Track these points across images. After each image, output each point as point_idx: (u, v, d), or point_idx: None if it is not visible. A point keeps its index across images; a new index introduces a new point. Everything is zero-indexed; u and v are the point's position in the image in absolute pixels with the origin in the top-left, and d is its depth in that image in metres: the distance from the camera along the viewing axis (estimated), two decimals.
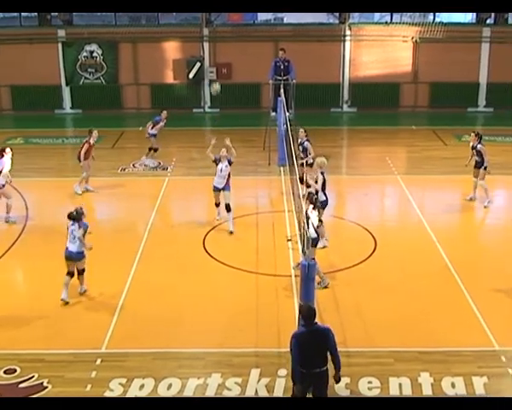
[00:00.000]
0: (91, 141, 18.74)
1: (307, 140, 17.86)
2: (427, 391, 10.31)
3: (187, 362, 11.10)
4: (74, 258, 12.75)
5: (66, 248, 12.75)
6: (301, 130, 18.03)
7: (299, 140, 17.84)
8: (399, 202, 18.84)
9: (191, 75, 29.28)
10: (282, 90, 21.39)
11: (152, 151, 21.50)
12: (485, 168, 17.66)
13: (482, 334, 11.81)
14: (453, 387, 10.40)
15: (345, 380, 10.43)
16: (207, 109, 30.19)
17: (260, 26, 31.35)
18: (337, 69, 29.74)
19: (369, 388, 10.37)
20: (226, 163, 16.02)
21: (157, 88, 29.76)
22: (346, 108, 30.20)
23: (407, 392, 10.30)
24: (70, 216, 12.73)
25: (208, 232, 16.22)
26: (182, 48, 29.52)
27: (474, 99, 30.01)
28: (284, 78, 22.27)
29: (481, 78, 29.84)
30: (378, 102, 29.43)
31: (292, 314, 12.03)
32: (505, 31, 29.56)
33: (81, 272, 12.99)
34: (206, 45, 29.56)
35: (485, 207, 17.63)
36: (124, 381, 10.53)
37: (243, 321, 12.30)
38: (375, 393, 10.26)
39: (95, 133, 18.90)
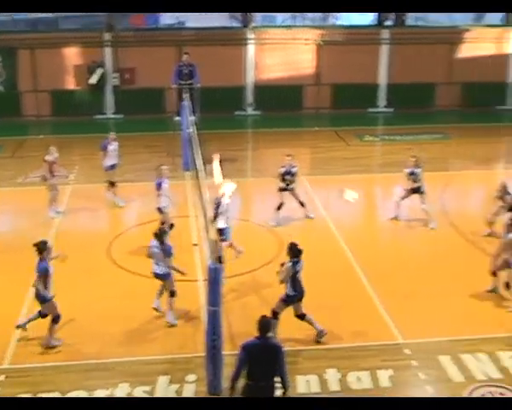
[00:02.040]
0: (47, 158, 17.46)
1: (418, 166, 16.80)
2: (334, 387, 10.52)
3: (93, 374, 10.93)
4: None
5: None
6: (411, 157, 16.90)
7: (409, 170, 16.81)
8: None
9: (94, 81, 28.79)
10: (186, 95, 21.33)
11: (110, 185, 18.53)
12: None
13: (386, 328, 12.14)
14: (359, 381, 10.66)
15: None
16: (111, 115, 29.75)
17: (163, 31, 31.18)
18: (241, 72, 29.85)
19: (276, 387, 10.43)
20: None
21: (58, 95, 29.05)
22: (250, 111, 30.34)
23: (315, 389, 10.48)
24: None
25: (114, 240, 16.00)
26: (83, 53, 28.92)
27: (374, 100, 30.73)
28: (188, 82, 22.20)
29: (381, 79, 30.58)
30: (282, 105, 29.64)
31: (199, 319, 12.03)
32: (404, 32, 30.40)
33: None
34: (108, 50, 29.14)
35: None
36: (29, 396, 10.27)
37: (150, 328, 12.21)
38: (280, 392, 10.33)
39: (51, 149, 17.63)
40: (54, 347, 11.67)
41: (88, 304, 13.04)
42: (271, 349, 8.86)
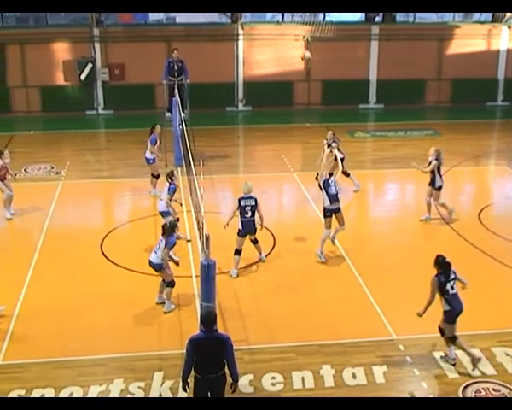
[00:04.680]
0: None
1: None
2: (329, 383, 10.51)
3: (87, 369, 10.87)
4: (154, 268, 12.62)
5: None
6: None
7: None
8: (296, 198, 19.07)
9: (83, 76, 28.64)
10: (176, 91, 21.27)
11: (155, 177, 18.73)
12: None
13: (380, 324, 12.15)
14: (354, 377, 10.66)
15: (249, 377, 10.56)
16: (101, 111, 29.62)
17: (152, 26, 31.08)
18: (231, 68, 29.82)
19: (272, 383, 10.48)
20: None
21: (47, 90, 28.90)
22: (241, 106, 30.32)
23: (310, 385, 10.47)
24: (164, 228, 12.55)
25: (106, 236, 15.93)
26: (72, 48, 28.80)
27: (364, 96, 30.76)
28: (178, 78, 22.14)
29: (371, 75, 30.63)
30: (272, 101, 29.66)
31: (193, 315, 12.01)
32: (393, 28, 30.47)
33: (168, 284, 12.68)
34: (97, 46, 28.99)
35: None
36: (23, 392, 10.23)
37: (145, 324, 12.17)
38: (278, 388, 10.36)
39: (5, 152, 17.24)
40: None
41: (80, 300, 12.99)
42: (217, 342, 8.87)
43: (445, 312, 10.89)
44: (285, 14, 30.47)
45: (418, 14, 31.64)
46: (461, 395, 10.20)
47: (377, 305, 12.74)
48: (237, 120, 29.51)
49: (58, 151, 22.58)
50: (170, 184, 14.80)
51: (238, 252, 13.97)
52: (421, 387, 10.47)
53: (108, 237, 15.92)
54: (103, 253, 15.12)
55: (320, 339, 11.67)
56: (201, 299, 10.34)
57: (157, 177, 18.45)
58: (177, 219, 14.37)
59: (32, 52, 28.46)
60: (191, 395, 9.18)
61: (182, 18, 31.97)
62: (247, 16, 31.09)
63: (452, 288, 10.86)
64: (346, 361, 11.03)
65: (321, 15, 30.83)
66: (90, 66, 28.56)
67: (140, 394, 10.21)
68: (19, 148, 23.50)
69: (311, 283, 13.73)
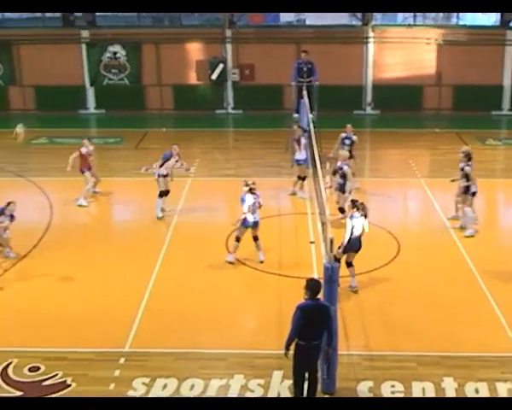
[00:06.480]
0: (83, 150, 18.17)
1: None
2: (450, 396, 10.25)
3: (209, 363, 11.13)
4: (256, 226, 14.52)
5: (246, 219, 14.36)
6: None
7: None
8: (423, 205, 18.74)
9: (214, 76, 29.33)
10: (304, 92, 21.36)
11: (300, 179, 18.99)
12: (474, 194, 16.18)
13: (506, 339, 11.74)
14: (477, 392, 10.36)
15: (368, 384, 10.49)
16: (230, 111, 30.21)
17: (283, 28, 31.36)
18: (360, 71, 29.65)
19: (392, 391, 10.35)
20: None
21: (179, 89, 29.83)
22: (369, 110, 30.06)
23: (430, 396, 10.25)
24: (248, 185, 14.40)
25: (231, 233, 16.20)
26: (204, 49, 29.58)
27: (498, 102, 29.76)
28: (307, 80, 22.24)
29: (505, 80, 29.60)
30: (401, 105, 29.23)
31: None
32: None
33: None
34: (228, 46, 29.60)
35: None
36: (147, 380, 10.59)
37: (266, 323, 12.31)
38: (398, 397, 10.22)
39: (85, 142, 18.53)
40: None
41: (204, 295, 13.31)
42: (322, 310, 9.35)
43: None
44: (417, 16, 29.93)
45: None
46: None
47: (504, 319, 12.30)
48: (365, 123, 29.23)
49: (188, 148, 23.16)
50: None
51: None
52: None
53: (234, 235, 16.16)
54: (228, 250, 15.38)
55: (442, 350, 11.42)
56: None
57: (303, 179, 18.70)
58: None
59: (166, 51, 29.45)
60: (292, 362, 9.65)
61: (312, 20, 32.07)
62: (377, 18, 30.77)
63: None
64: (469, 375, 10.73)
65: (454, 19, 30.11)
66: (221, 66, 29.19)
67: (259, 391, 10.35)
68: (152, 144, 24.40)
69: (434, 291, 13.44)
